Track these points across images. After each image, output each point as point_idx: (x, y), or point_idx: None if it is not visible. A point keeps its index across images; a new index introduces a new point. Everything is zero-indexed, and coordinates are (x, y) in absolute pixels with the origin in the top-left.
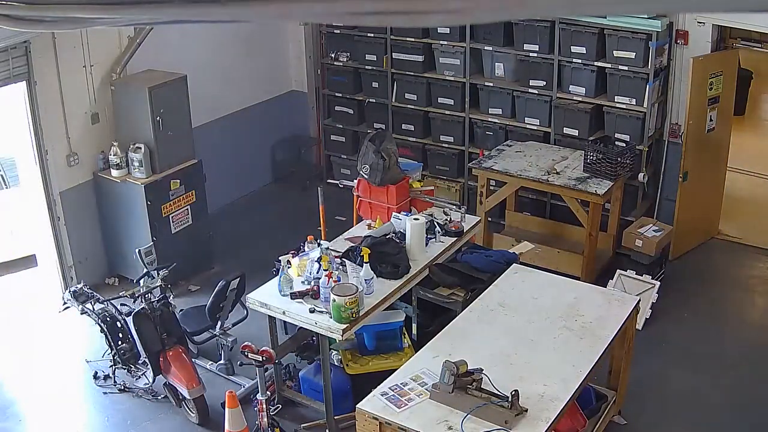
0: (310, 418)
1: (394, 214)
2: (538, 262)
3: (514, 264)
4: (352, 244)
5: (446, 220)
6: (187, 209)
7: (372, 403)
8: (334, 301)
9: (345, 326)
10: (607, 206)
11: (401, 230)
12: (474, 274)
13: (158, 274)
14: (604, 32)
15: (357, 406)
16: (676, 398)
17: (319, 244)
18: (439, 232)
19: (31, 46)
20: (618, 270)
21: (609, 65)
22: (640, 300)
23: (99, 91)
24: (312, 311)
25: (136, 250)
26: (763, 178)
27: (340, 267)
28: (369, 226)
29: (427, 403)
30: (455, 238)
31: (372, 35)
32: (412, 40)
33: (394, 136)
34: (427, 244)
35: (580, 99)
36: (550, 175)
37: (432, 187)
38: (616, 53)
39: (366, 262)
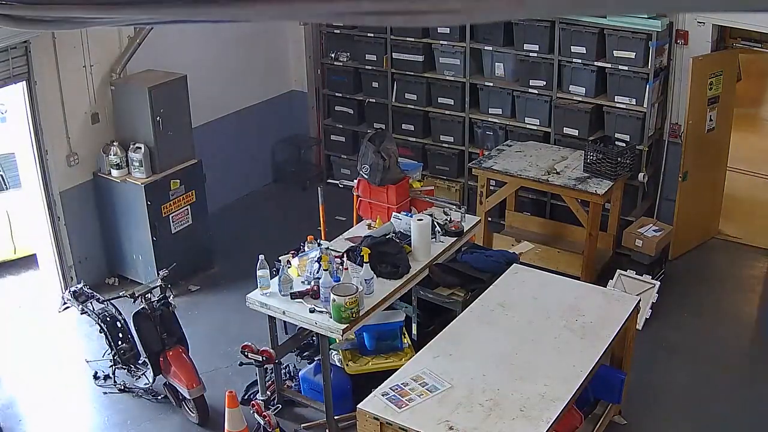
0: (310, 419)
1: (394, 214)
2: (538, 262)
3: (515, 264)
4: (352, 244)
5: (446, 220)
6: (187, 209)
7: (373, 404)
8: (334, 301)
9: (345, 326)
10: (607, 206)
11: (401, 230)
12: (474, 274)
13: (158, 274)
14: (604, 32)
15: (358, 406)
16: (676, 398)
17: (319, 244)
18: (439, 232)
19: (31, 46)
20: (618, 270)
21: (609, 65)
22: (640, 300)
23: (99, 91)
24: (312, 311)
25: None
26: (763, 178)
27: (340, 267)
28: (369, 226)
29: (428, 403)
30: (455, 238)
31: (372, 35)
32: (412, 40)
33: (394, 136)
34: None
35: (580, 99)
36: (550, 175)
37: (432, 187)
38: (616, 53)
39: (366, 262)
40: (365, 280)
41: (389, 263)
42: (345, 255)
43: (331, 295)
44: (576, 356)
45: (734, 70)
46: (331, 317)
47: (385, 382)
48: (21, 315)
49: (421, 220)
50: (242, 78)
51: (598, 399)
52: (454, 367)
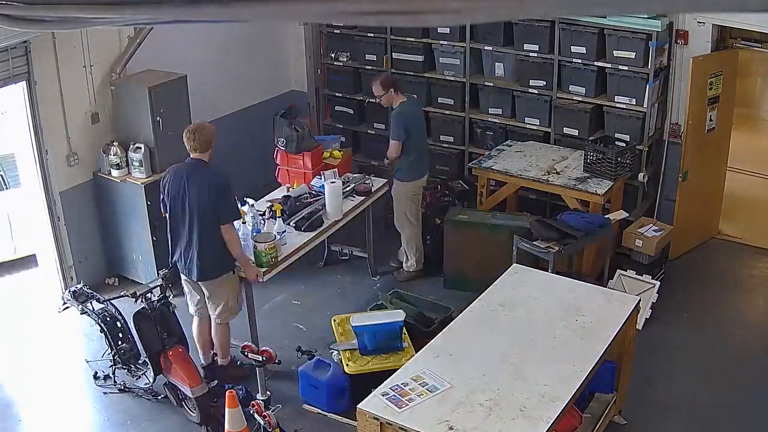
0: (310, 418)
1: (318, 175)
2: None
3: (514, 264)
4: (271, 202)
5: (357, 181)
6: None
7: (373, 404)
8: (255, 247)
9: (265, 269)
10: (607, 206)
11: (317, 190)
12: (569, 231)
13: (158, 274)
14: (604, 32)
15: (358, 406)
16: (676, 398)
17: (251, 206)
18: (351, 192)
19: (31, 46)
20: (618, 270)
21: (609, 65)
22: (640, 300)
23: (99, 91)
24: None
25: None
26: (763, 178)
27: (262, 222)
28: (288, 189)
29: (428, 403)
30: (364, 197)
31: (372, 35)
32: (412, 40)
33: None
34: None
35: (580, 99)
36: (550, 175)
37: (349, 158)
38: (616, 53)
39: (278, 217)
40: (279, 232)
41: (304, 218)
42: (266, 212)
43: (253, 242)
44: (576, 356)
45: (734, 70)
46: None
47: (385, 382)
48: (21, 315)
49: (334, 182)
50: (242, 78)
51: (593, 392)
52: (454, 367)
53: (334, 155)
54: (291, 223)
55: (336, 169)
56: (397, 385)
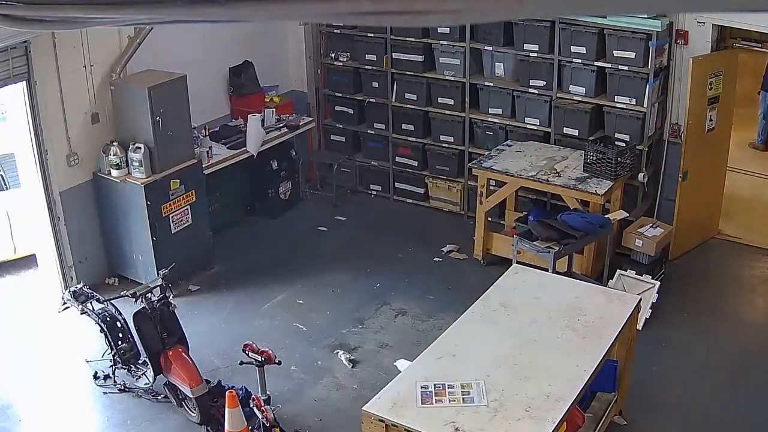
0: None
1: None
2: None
3: (515, 264)
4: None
5: (287, 117)
6: (187, 209)
7: (378, 405)
8: None
9: None
10: (607, 206)
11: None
12: (569, 231)
13: (158, 274)
14: (604, 32)
15: (363, 408)
16: (676, 398)
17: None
18: (281, 125)
19: (31, 46)
20: (618, 270)
21: (609, 65)
22: (641, 299)
23: (99, 91)
24: None
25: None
26: (763, 178)
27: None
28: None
29: (436, 405)
30: (290, 132)
31: (372, 35)
32: (412, 40)
33: (394, 136)
34: (269, 133)
35: (580, 99)
36: (550, 174)
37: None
38: (616, 53)
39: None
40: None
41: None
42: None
43: None
44: (579, 356)
45: (734, 70)
46: None
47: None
48: (21, 315)
49: (255, 116)
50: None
51: (595, 392)
52: (457, 368)
53: (273, 100)
54: (221, 142)
55: (274, 109)
56: (442, 384)
